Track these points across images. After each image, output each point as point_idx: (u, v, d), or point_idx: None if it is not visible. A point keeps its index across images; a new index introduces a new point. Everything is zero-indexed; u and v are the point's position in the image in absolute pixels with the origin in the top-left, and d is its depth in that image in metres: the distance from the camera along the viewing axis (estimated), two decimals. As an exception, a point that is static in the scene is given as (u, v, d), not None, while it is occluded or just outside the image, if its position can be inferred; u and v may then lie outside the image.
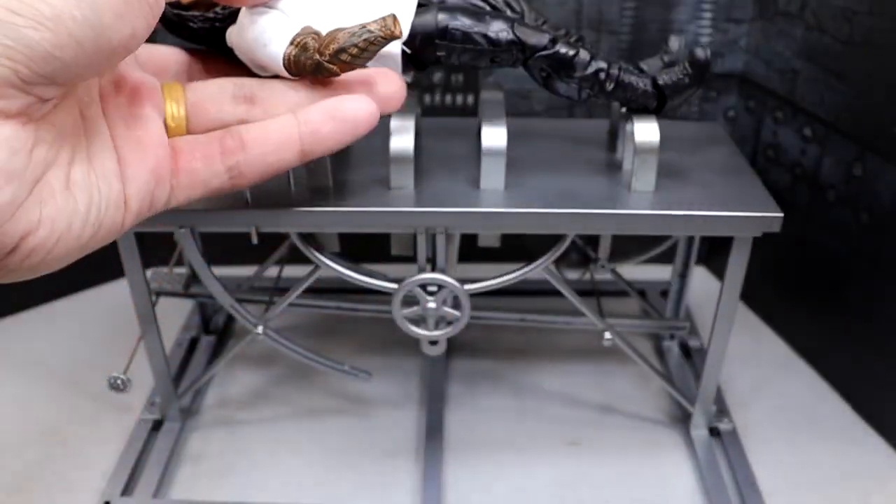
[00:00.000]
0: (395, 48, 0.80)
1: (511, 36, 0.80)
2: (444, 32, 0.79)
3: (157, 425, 1.03)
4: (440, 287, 0.90)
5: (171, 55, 0.77)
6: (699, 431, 1.03)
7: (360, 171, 0.91)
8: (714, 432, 1.03)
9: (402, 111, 0.85)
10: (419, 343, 0.97)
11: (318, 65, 0.75)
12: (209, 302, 1.17)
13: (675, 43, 0.87)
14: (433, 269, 0.90)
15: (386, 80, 0.73)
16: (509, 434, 1.04)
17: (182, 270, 1.08)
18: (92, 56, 0.50)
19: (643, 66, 0.87)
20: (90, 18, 0.48)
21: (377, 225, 0.87)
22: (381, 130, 0.88)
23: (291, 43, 0.75)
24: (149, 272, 0.96)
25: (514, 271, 0.92)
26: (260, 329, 0.95)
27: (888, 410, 1.02)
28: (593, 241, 1.09)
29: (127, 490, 0.94)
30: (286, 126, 0.68)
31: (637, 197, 0.86)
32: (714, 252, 1.34)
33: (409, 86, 0.80)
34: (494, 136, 0.85)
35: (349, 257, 1.03)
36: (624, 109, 0.87)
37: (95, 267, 1.30)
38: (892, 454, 1.02)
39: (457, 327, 0.93)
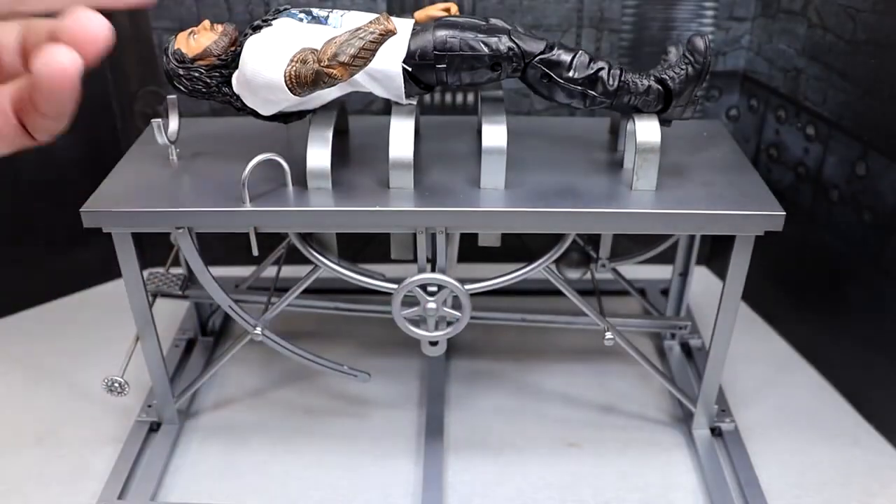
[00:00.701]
0: (395, 67, 0.81)
1: (510, 42, 0.81)
2: (443, 44, 0.81)
3: (154, 427, 1.03)
4: (440, 287, 0.89)
5: None
6: (701, 431, 1.02)
7: (360, 171, 0.91)
8: (716, 432, 1.02)
9: (402, 111, 0.85)
10: (419, 344, 0.96)
11: (317, 73, 0.75)
12: (206, 303, 1.16)
13: (674, 52, 0.87)
14: (433, 270, 0.90)
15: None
16: (510, 434, 1.04)
17: (179, 271, 1.07)
18: None
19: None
20: None
21: (377, 225, 0.86)
22: (382, 129, 0.87)
23: (291, 60, 0.77)
24: (146, 273, 0.95)
25: (514, 271, 0.91)
26: (258, 330, 0.94)
27: (891, 411, 1.02)
28: (594, 240, 1.09)
29: (123, 493, 0.93)
30: None
31: (638, 196, 0.86)
32: (716, 252, 1.34)
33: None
34: (495, 134, 0.84)
35: (349, 258, 1.02)
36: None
37: (92, 268, 1.29)
38: (894, 455, 1.01)
39: (457, 328, 0.92)
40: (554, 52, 0.81)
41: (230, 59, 0.82)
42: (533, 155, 0.94)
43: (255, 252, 0.87)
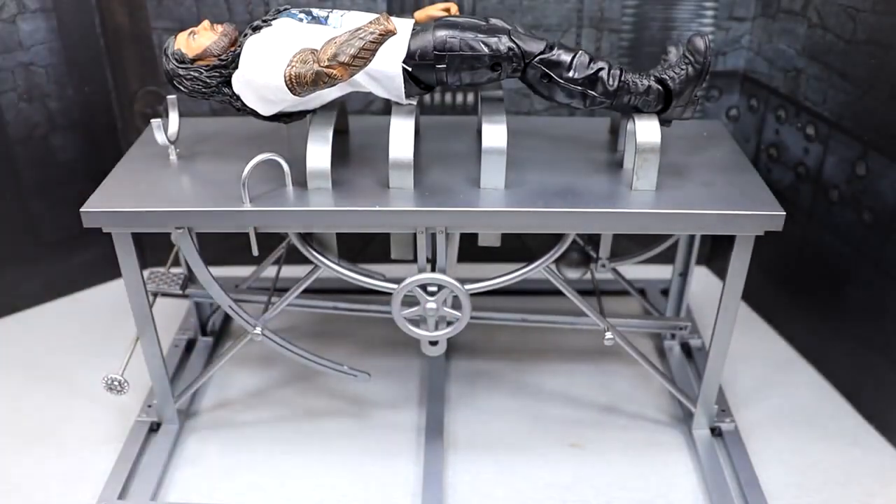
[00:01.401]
0: (395, 67, 0.82)
1: (510, 42, 0.81)
2: (443, 44, 0.81)
3: (154, 427, 1.03)
4: (440, 287, 0.89)
5: None
6: (701, 431, 1.02)
7: (360, 171, 0.91)
8: (716, 432, 1.02)
9: (402, 111, 0.85)
10: (419, 344, 0.96)
11: (317, 73, 0.76)
12: (206, 303, 1.16)
13: (674, 52, 0.87)
14: (433, 270, 0.90)
15: None
16: (510, 434, 1.03)
17: (179, 271, 1.07)
18: None
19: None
20: None
21: (377, 225, 0.86)
22: (382, 129, 0.87)
23: (291, 61, 0.77)
24: (146, 273, 0.95)
25: (514, 271, 0.91)
26: (258, 330, 0.94)
27: (891, 411, 1.02)
28: (594, 240, 1.09)
29: (123, 493, 0.93)
30: None
31: (638, 196, 0.86)
32: (716, 252, 1.34)
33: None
34: (495, 134, 0.84)
35: (349, 258, 1.02)
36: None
37: (93, 268, 1.29)
38: (894, 455, 1.01)
39: (457, 327, 0.92)
40: (554, 52, 0.82)
41: (230, 60, 0.82)
42: (533, 155, 0.94)
43: (255, 252, 0.88)
